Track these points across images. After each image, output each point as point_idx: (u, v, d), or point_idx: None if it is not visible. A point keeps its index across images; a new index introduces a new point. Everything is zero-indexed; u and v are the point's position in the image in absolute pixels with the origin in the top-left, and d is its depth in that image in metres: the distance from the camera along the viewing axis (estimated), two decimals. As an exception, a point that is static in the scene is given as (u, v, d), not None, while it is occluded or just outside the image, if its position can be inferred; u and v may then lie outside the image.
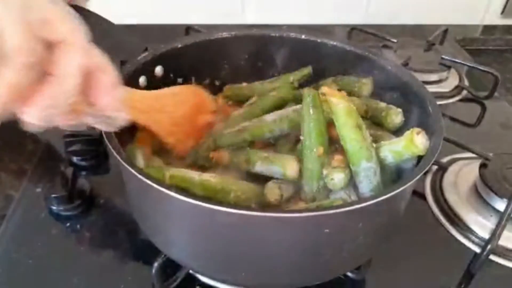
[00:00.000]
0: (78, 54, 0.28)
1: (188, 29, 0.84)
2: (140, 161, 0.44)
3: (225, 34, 0.57)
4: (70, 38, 0.28)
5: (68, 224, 0.53)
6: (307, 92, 0.45)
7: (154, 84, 0.51)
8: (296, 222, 0.35)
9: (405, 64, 0.80)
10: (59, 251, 0.50)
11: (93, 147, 0.62)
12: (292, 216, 0.34)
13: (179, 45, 0.54)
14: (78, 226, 0.53)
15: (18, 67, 0.25)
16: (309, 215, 0.34)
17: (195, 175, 0.42)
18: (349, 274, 0.46)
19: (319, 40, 0.57)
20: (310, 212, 0.35)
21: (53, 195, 0.53)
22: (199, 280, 0.47)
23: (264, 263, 0.38)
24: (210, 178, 0.42)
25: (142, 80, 0.50)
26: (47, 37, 0.27)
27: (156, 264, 0.43)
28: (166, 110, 0.47)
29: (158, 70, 0.53)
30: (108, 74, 0.31)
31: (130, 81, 0.47)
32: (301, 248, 0.37)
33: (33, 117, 0.28)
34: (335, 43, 0.56)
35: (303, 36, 0.57)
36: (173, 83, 0.55)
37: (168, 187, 0.33)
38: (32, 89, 0.27)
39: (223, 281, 0.46)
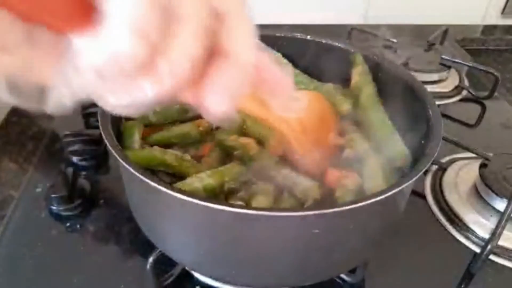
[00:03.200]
0: (251, 31, 0.24)
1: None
2: (136, 141, 0.45)
3: None
4: (237, 12, 0.23)
5: (68, 224, 0.53)
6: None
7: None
8: (286, 221, 0.35)
9: (405, 64, 0.80)
10: (59, 251, 0.50)
11: (93, 147, 0.62)
12: (282, 215, 0.34)
13: None
14: (78, 226, 0.53)
15: (195, 29, 0.21)
16: (299, 214, 0.34)
17: None
18: (345, 277, 0.46)
19: (323, 41, 0.57)
20: (300, 211, 0.35)
21: (53, 195, 0.54)
22: (194, 277, 0.47)
23: (255, 262, 0.38)
24: None
25: None
26: (215, 5, 0.22)
27: (150, 260, 0.43)
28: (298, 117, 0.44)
29: None
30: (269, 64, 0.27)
31: None
32: (291, 247, 0.37)
33: (217, 99, 0.23)
34: (337, 44, 0.56)
35: (308, 37, 0.57)
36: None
37: (164, 185, 0.33)
38: (201, 71, 0.22)
39: (216, 279, 0.46)
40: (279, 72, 0.28)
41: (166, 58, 0.20)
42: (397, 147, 0.45)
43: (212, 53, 0.23)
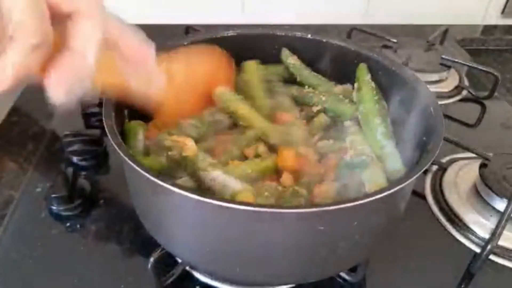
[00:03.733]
0: (96, 27, 0.27)
1: (188, 29, 0.84)
2: (140, 141, 0.44)
3: (231, 33, 0.57)
4: (85, 9, 0.26)
5: (68, 224, 0.53)
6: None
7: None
8: (292, 217, 0.35)
9: (405, 64, 0.80)
10: (59, 251, 0.50)
11: (93, 147, 0.62)
12: (288, 212, 0.34)
13: (185, 43, 0.54)
14: (78, 226, 0.53)
15: (23, 48, 0.23)
16: (304, 211, 0.34)
17: None
18: (346, 276, 0.46)
19: (324, 40, 0.57)
20: (305, 208, 0.35)
21: (53, 195, 0.54)
22: (195, 277, 0.47)
23: (260, 259, 0.38)
24: None
25: None
26: (58, 7, 0.25)
27: (151, 260, 0.43)
28: (171, 79, 0.43)
29: None
30: (131, 41, 0.30)
31: None
32: (294, 244, 0.37)
33: (55, 90, 0.26)
34: (339, 43, 0.56)
35: (309, 36, 0.57)
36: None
37: (168, 181, 0.34)
38: (49, 60, 0.26)
39: (219, 277, 0.46)
40: (142, 48, 0.31)
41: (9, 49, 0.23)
42: (393, 162, 0.45)
43: (61, 45, 0.26)
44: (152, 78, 0.35)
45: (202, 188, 0.41)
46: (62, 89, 0.26)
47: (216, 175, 0.41)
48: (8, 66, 0.24)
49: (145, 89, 0.35)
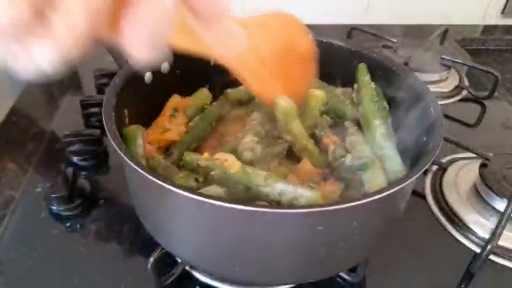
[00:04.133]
0: None
1: (188, 29, 0.84)
2: (140, 145, 0.44)
3: None
4: None
5: (68, 224, 0.53)
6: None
7: (159, 80, 0.51)
8: (291, 218, 0.35)
9: (405, 64, 0.80)
10: (59, 251, 0.50)
11: (93, 147, 0.62)
12: (287, 212, 0.34)
13: None
14: (78, 226, 0.53)
15: (75, 12, 0.18)
16: (304, 211, 0.34)
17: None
18: (346, 277, 0.46)
19: (324, 40, 0.57)
20: (305, 209, 0.35)
21: (53, 195, 0.54)
22: (194, 277, 0.47)
23: (259, 259, 0.38)
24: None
25: (147, 75, 0.50)
26: None
27: (151, 259, 0.43)
28: (253, 46, 0.37)
29: (164, 66, 0.52)
30: None
31: (136, 76, 0.47)
32: (294, 244, 0.37)
33: (137, 47, 0.22)
34: (339, 43, 0.56)
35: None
36: (179, 80, 0.55)
37: (167, 181, 0.34)
38: (121, 13, 0.21)
39: (218, 276, 0.46)
40: (214, 2, 0.25)
41: (60, 15, 0.18)
42: (393, 162, 0.45)
43: None
44: (230, 36, 0.30)
45: (249, 199, 0.40)
46: (143, 44, 0.22)
47: (283, 187, 0.38)
48: (78, 10, 0.18)
49: (223, 49, 0.30)
